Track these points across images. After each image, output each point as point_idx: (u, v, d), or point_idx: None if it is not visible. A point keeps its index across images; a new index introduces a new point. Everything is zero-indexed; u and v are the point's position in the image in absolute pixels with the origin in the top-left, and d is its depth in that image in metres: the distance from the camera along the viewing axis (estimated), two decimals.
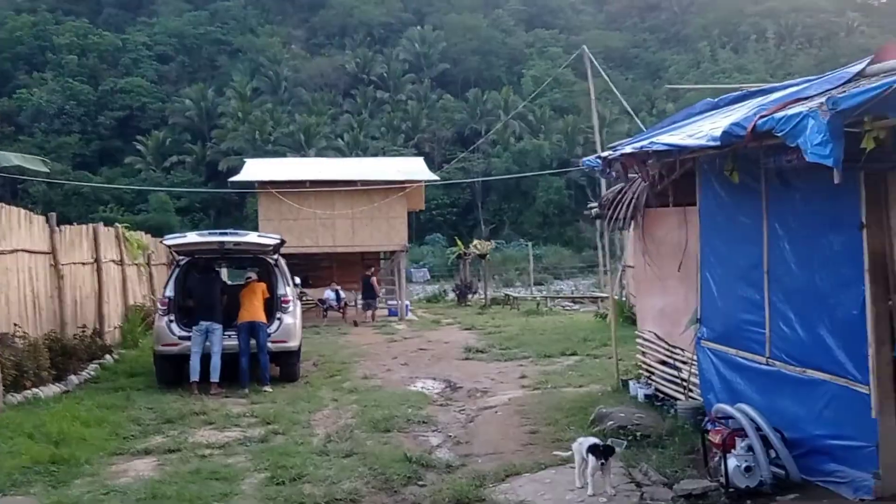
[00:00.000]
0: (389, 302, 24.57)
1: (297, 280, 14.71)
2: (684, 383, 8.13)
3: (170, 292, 12.27)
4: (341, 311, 23.04)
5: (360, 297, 23.81)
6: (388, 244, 23.68)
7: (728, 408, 6.33)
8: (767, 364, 6.50)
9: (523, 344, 16.12)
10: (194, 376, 11.66)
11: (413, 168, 25.54)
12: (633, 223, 9.02)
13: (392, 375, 13.15)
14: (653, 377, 9.24)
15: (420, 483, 6.91)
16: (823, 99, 4.26)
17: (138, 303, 18.22)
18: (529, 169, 67.28)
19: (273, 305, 12.44)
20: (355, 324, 21.94)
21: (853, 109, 4.16)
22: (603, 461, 6.00)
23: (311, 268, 24.41)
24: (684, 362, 8.29)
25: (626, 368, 10.87)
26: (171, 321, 12.10)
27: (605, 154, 7.27)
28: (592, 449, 6.07)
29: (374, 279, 23.06)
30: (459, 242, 30.25)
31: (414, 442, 8.40)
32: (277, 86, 76.55)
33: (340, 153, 61.67)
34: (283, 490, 6.78)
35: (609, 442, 6.61)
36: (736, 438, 5.96)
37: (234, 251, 12.42)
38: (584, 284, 55.49)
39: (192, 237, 11.96)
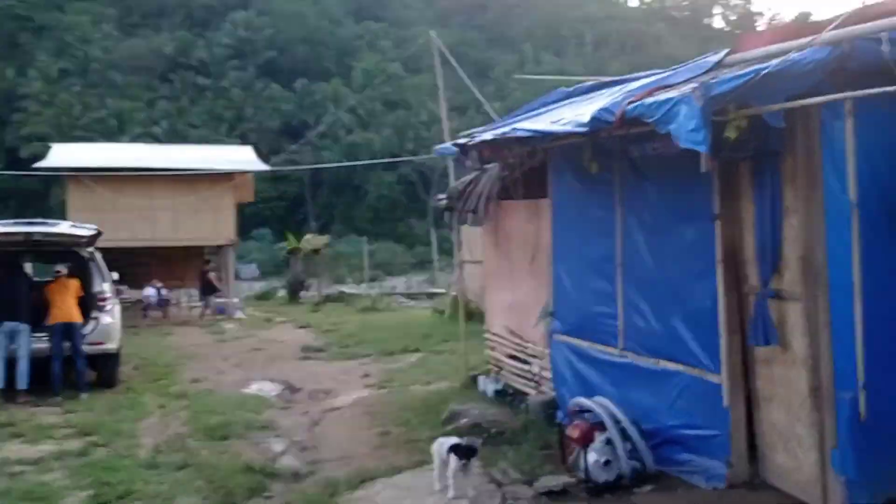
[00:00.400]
0: (217, 300, 23.41)
1: (116, 276, 13.57)
2: (535, 377, 8.14)
3: None
4: (163, 310, 21.70)
5: (190, 294, 22.83)
6: (216, 238, 22.55)
7: (586, 401, 6.35)
8: (621, 356, 6.60)
9: (363, 342, 15.80)
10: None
11: (242, 157, 24.49)
12: (483, 215, 8.92)
13: (224, 378, 12.43)
14: (502, 372, 9.22)
15: (266, 495, 6.46)
16: (694, 85, 4.28)
17: None
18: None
19: (89, 304, 11.37)
20: (201, 320, 21.35)
21: (724, 95, 4.21)
22: (465, 461, 5.82)
23: (128, 264, 22.71)
24: (534, 356, 8.32)
25: (473, 364, 10.82)
26: None
27: (462, 141, 7.10)
28: (454, 449, 5.87)
29: (211, 274, 22.23)
30: (291, 237, 29.39)
31: (255, 450, 7.87)
32: (87, 67, 71.20)
33: (157, 141, 58.13)
34: None
35: (465, 441, 6.47)
36: (595, 432, 5.98)
37: (42, 243, 11.20)
38: (417, 280, 55.97)
39: None
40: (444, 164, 70.09)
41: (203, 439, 8.20)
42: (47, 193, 57.61)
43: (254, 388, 11.64)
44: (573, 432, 6.10)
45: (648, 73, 6.51)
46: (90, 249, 11.84)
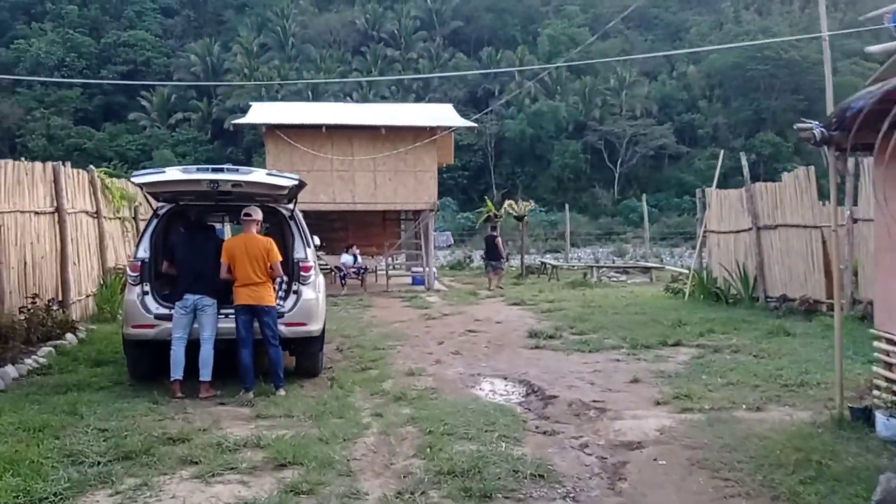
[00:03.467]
0: (414, 269, 20.81)
1: (317, 241, 10.89)
2: None
3: (143, 253, 8.45)
4: (360, 278, 19.27)
5: (385, 263, 20.36)
6: (416, 202, 19.80)
7: None
8: None
9: (601, 327, 12.31)
10: (177, 373, 7.96)
11: (443, 115, 21.55)
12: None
13: (445, 371, 9.42)
14: None
15: None
16: None
17: (121, 265, 14.43)
18: (545, 132, 63.12)
19: (288, 273, 8.68)
20: (489, 288, 19.31)
21: None
22: None
23: (322, 228, 20.55)
24: None
25: (773, 376, 7.01)
26: (144, 293, 8.35)
27: None
28: None
29: (498, 239, 20.52)
30: (489, 203, 26.32)
31: None
32: (285, 42, 71.94)
33: None
34: None
35: None
36: None
37: (233, 196, 8.56)
38: (603, 252, 52.07)
39: (173, 174, 8.01)
40: (634, 132, 64.75)
41: (455, 496, 5.06)
42: (249, 162, 58.48)
43: (484, 388, 8.60)
44: None
45: None
46: (290, 206, 9.11)
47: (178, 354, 8.01)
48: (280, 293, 8.64)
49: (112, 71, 68.15)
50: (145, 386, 8.26)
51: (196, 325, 8.11)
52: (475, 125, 22.85)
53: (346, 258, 19.02)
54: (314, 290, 8.73)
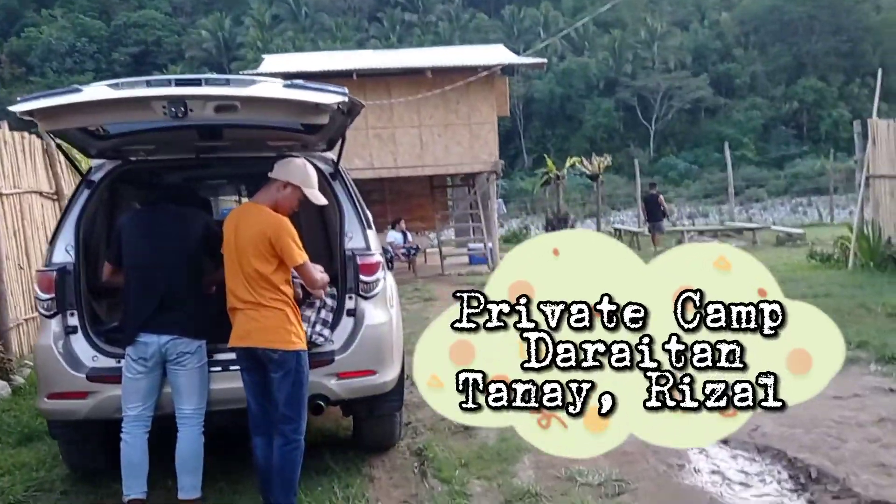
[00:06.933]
0: (472, 245, 16.67)
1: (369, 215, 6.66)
2: None
3: (63, 255, 4.30)
4: (409, 260, 15.16)
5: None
6: (473, 163, 15.61)
7: None
8: None
9: None
10: (133, 487, 3.90)
11: (495, 55, 17.21)
12: None
13: None
14: None
15: None
16: None
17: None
18: (576, 91, 58.44)
19: (343, 281, 4.49)
20: (656, 251, 14.92)
21: None
22: None
23: None
24: None
25: None
26: (68, 331, 4.22)
27: None
28: None
29: (661, 196, 18.32)
30: (550, 162, 22.07)
31: None
32: (298, 12, 67.49)
33: None
34: None
35: None
36: None
37: (227, 142, 4.36)
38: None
39: (95, 92, 3.71)
40: (668, 85, 59.81)
41: None
42: None
43: (704, 470, 4.55)
44: None
45: None
46: (332, 156, 4.88)
47: (133, 450, 3.93)
48: (322, 315, 4.42)
49: (123, 53, 64.20)
50: (90, 491, 4.31)
51: (169, 390, 4.02)
52: (543, 61, 18.50)
53: (393, 236, 14.87)
54: (385, 308, 4.56)
